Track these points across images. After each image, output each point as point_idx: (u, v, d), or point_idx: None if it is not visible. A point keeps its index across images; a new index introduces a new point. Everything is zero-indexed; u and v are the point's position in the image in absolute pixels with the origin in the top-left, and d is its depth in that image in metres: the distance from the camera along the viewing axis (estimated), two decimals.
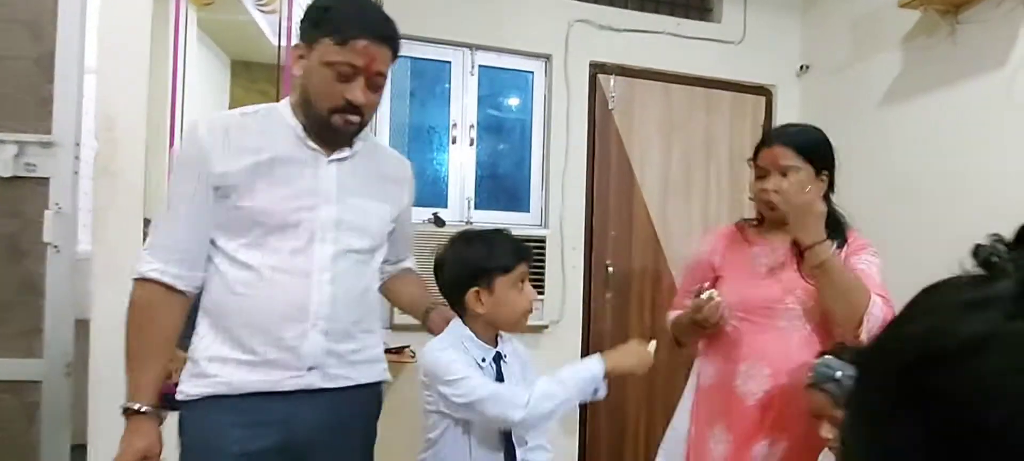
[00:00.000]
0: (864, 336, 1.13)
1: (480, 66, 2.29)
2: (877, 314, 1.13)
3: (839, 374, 1.06)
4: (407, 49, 2.23)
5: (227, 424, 0.95)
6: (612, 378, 1.15)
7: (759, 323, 1.29)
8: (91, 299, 1.39)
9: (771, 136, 1.32)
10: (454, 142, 2.28)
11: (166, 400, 1.00)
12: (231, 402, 0.95)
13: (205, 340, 0.98)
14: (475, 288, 1.11)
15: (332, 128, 0.99)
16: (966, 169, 1.87)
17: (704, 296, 1.26)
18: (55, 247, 1.38)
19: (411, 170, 1.18)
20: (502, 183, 2.39)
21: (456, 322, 1.16)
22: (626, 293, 2.38)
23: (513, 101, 2.42)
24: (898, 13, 2.00)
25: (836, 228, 1.26)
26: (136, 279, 0.97)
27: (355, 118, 0.99)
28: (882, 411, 0.28)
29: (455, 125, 2.28)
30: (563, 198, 2.30)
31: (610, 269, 2.35)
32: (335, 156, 1.02)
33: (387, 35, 0.99)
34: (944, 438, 0.26)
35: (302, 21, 1.02)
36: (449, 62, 2.28)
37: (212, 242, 0.98)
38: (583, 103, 2.33)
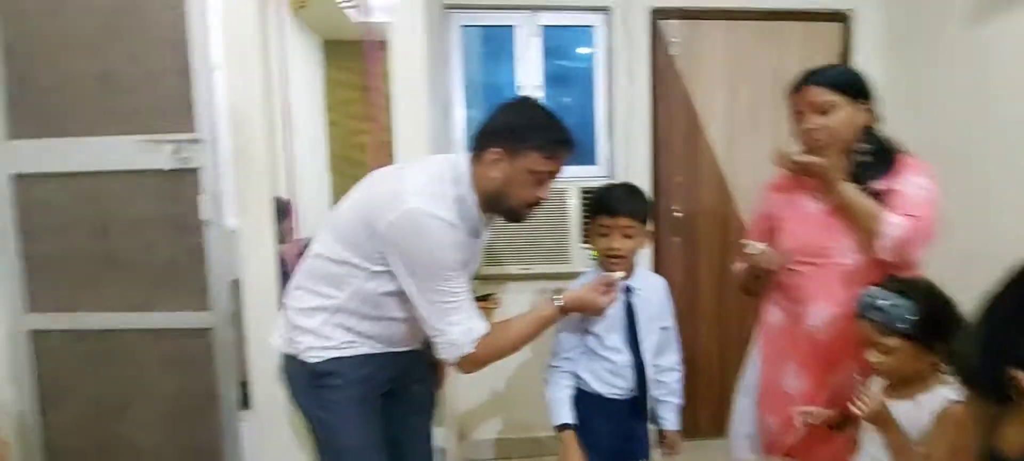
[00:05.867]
0: (882, 254, 1.24)
1: (542, 26, 2.39)
2: (891, 232, 1.23)
3: (883, 303, 1.14)
4: (474, 17, 2.39)
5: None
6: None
7: (819, 263, 1.35)
8: (241, 263, 1.72)
9: (800, 79, 1.36)
10: None
11: None
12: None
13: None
14: None
15: (518, 217, 1.28)
16: None
17: (752, 251, 1.36)
18: (209, 223, 1.72)
19: None
20: None
21: None
22: (694, 236, 2.47)
23: (576, 57, 2.50)
24: None
25: (883, 158, 1.31)
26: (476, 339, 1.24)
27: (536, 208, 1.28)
28: None
29: (522, 87, 2.41)
30: (628, 148, 2.39)
31: (677, 214, 2.44)
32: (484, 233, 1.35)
33: (573, 143, 1.25)
34: None
35: (498, 130, 1.23)
36: (512, 26, 2.39)
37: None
38: (645, 51, 2.36)
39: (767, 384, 1.49)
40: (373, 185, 1.29)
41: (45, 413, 1.81)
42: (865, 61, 2.46)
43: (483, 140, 1.25)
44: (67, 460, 1.83)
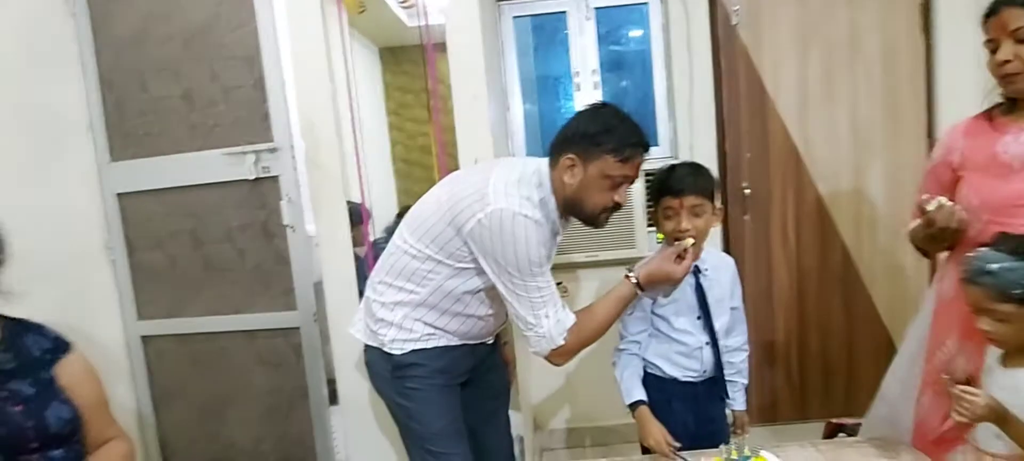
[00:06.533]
0: None
1: (595, 9, 2.35)
2: None
3: (994, 266, 1.03)
4: (525, 7, 2.38)
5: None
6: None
7: (1014, 223, 1.13)
8: (320, 266, 1.81)
9: (998, 1, 1.14)
10: (578, 89, 2.40)
11: None
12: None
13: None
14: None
15: (595, 222, 1.29)
16: None
17: (931, 206, 1.15)
18: (292, 227, 1.81)
19: None
20: None
21: None
22: (765, 213, 2.37)
23: (632, 37, 2.45)
24: None
25: None
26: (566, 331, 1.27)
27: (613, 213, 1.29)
28: None
29: (578, 73, 2.39)
30: (691, 127, 2.32)
31: (747, 191, 2.35)
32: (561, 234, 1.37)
33: (649, 145, 1.26)
34: None
35: (573, 136, 1.25)
36: (565, 11, 2.37)
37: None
38: (704, 25, 2.28)
39: (932, 351, 1.32)
40: (456, 184, 1.31)
41: (158, 411, 1.98)
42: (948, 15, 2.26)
43: (559, 146, 1.27)
44: (180, 454, 1.99)
